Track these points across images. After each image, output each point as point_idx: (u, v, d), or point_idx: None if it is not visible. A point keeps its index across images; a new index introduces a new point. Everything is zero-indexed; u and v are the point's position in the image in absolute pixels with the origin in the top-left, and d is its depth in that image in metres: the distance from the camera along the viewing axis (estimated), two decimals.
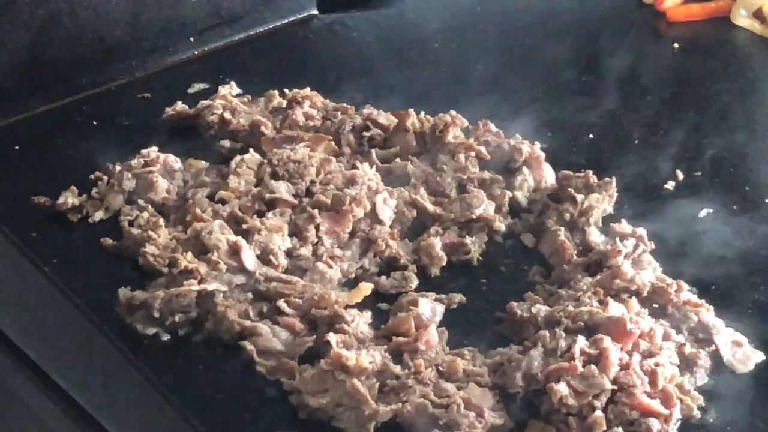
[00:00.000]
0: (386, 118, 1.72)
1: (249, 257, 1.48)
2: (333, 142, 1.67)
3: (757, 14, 2.08)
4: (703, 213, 1.66)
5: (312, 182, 1.60)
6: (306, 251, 1.52)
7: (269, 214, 1.55)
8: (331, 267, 1.50)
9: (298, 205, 1.57)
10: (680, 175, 1.72)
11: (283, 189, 1.58)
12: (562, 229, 1.58)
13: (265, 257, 1.50)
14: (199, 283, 1.45)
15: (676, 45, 2.06)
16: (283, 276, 1.48)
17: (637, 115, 1.85)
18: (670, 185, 1.70)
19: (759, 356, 1.44)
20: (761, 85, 1.96)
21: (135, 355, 1.41)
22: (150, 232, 1.53)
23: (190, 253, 1.48)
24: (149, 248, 1.50)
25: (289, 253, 1.52)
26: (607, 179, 1.65)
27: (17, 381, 1.62)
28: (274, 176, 1.60)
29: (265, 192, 1.58)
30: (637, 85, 1.93)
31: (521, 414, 1.35)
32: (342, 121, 1.70)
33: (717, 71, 1.99)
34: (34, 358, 1.59)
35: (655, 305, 1.48)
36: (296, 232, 1.54)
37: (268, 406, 1.36)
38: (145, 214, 1.57)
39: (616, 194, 1.64)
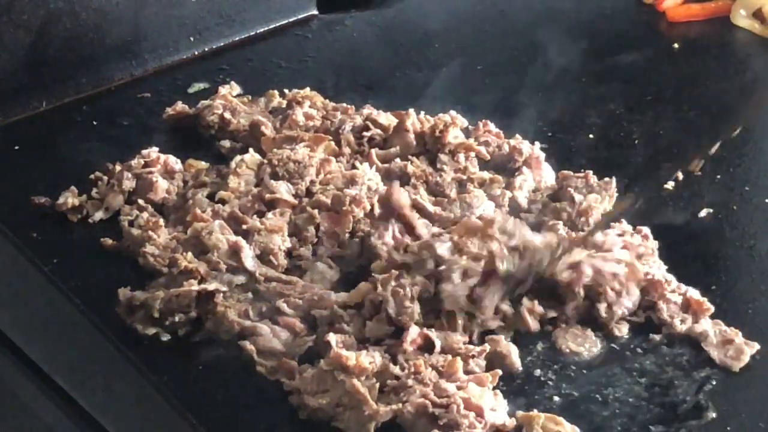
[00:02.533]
0: (386, 118, 1.72)
1: (249, 257, 1.48)
2: (333, 142, 1.67)
3: (757, 14, 2.08)
4: (703, 213, 1.66)
5: (312, 182, 1.60)
6: (306, 251, 1.52)
7: (269, 215, 1.55)
8: (331, 267, 1.50)
9: (298, 205, 1.57)
10: (680, 175, 1.72)
11: (283, 189, 1.58)
12: (560, 222, 1.58)
13: (265, 257, 1.50)
14: (199, 283, 1.45)
15: (676, 45, 2.06)
16: (283, 276, 1.48)
17: (637, 115, 1.85)
18: (670, 185, 1.70)
19: (753, 347, 1.44)
20: (761, 85, 1.96)
21: (135, 355, 1.41)
22: (150, 232, 1.53)
23: (190, 253, 1.48)
24: (149, 248, 1.50)
25: (289, 253, 1.52)
26: (607, 179, 1.65)
27: (17, 381, 1.62)
28: (274, 176, 1.60)
29: (265, 192, 1.58)
30: (637, 85, 1.93)
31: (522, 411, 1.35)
32: (342, 121, 1.70)
33: (717, 71, 1.99)
34: (34, 358, 1.58)
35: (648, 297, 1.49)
36: (296, 232, 1.54)
37: (268, 406, 1.36)
38: (145, 214, 1.57)
39: (616, 194, 1.64)
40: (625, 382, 1.40)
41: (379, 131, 1.70)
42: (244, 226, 1.53)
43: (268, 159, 1.62)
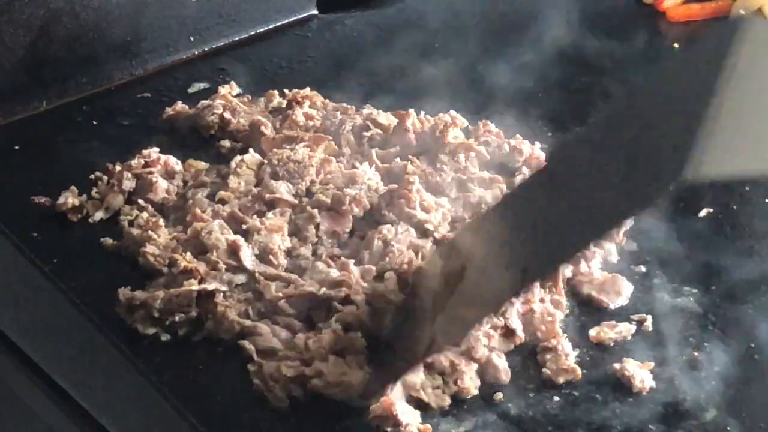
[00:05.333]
0: (386, 118, 1.72)
1: (248, 257, 1.48)
2: (333, 142, 1.67)
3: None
4: (703, 213, 1.66)
5: (312, 182, 1.60)
6: (306, 251, 1.52)
7: (269, 214, 1.55)
8: (330, 266, 1.50)
9: (298, 204, 1.57)
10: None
11: (283, 189, 1.58)
12: None
13: (264, 257, 1.50)
14: (200, 282, 1.45)
15: (676, 45, 2.06)
16: (283, 274, 1.48)
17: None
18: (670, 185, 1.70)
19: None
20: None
21: (135, 355, 1.41)
22: (150, 232, 1.53)
23: (189, 253, 1.48)
24: (149, 248, 1.50)
25: (288, 253, 1.52)
26: None
27: (17, 381, 1.62)
28: (274, 176, 1.60)
29: (265, 192, 1.58)
30: (637, 85, 1.92)
31: None
32: (342, 121, 1.70)
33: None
34: (34, 358, 1.58)
35: None
36: (296, 231, 1.54)
37: (267, 406, 1.36)
38: (145, 214, 1.57)
39: None
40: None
41: (379, 131, 1.70)
42: (244, 226, 1.53)
43: (268, 159, 1.62)
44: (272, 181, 1.59)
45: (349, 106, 1.76)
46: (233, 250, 1.48)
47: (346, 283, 1.44)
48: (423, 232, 1.54)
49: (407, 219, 1.54)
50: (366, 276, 1.47)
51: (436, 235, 1.53)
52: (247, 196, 1.58)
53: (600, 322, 1.47)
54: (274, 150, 1.64)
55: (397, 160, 1.65)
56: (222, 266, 1.47)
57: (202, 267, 1.46)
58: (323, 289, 1.43)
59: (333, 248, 1.53)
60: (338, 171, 1.61)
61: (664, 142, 1.17)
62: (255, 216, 1.55)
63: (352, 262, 1.49)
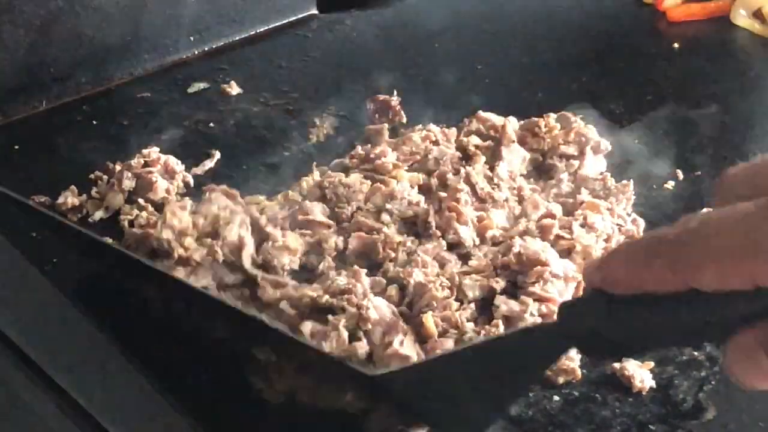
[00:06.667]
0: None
1: (247, 256, 1.46)
2: (420, 175, 1.62)
3: (757, 14, 2.09)
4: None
5: (359, 208, 1.56)
6: (323, 265, 1.48)
7: (293, 233, 1.51)
8: (341, 274, 1.47)
9: (333, 226, 1.53)
10: (680, 175, 1.72)
11: (317, 210, 1.55)
12: None
13: (268, 268, 1.47)
14: (189, 274, 1.43)
15: (676, 45, 2.06)
16: (280, 279, 1.45)
17: (637, 114, 1.85)
18: (670, 185, 1.70)
19: None
20: (761, 85, 1.96)
21: (135, 355, 1.41)
22: (168, 214, 1.49)
23: (189, 238, 1.46)
24: (164, 233, 1.47)
25: (303, 267, 1.49)
26: (624, 182, 1.64)
27: (17, 381, 1.62)
28: (322, 198, 1.58)
29: (300, 213, 1.54)
30: (637, 85, 1.93)
31: None
32: (442, 153, 1.65)
33: (717, 71, 1.99)
34: (34, 358, 1.58)
35: None
36: (319, 251, 1.50)
37: (268, 406, 1.36)
38: (145, 214, 1.57)
39: (633, 197, 1.63)
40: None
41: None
42: (268, 229, 1.49)
43: (320, 180, 1.60)
44: (306, 202, 1.56)
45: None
46: (238, 246, 1.46)
47: (352, 293, 1.41)
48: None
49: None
50: (375, 288, 1.45)
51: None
52: (285, 208, 1.55)
53: None
54: (329, 173, 1.62)
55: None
56: (220, 256, 1.45)
57: (198, 254, 1.45)
58: (326, 297, 1.41)
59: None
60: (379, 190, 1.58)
61: None
62: (279, 228, 1.51)
63: (364, 271, 1.45)
